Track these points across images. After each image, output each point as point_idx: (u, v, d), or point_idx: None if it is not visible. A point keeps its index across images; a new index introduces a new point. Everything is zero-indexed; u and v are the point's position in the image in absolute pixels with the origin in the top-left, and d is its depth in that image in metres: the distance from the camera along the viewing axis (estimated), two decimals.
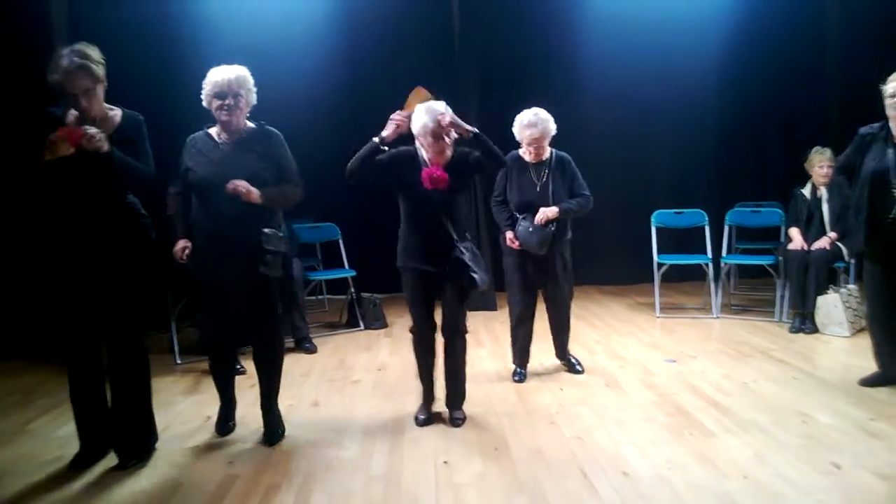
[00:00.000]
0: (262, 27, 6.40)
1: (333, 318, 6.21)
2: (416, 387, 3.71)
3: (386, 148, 3.38)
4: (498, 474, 2.92)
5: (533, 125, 3.97)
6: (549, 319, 4.30)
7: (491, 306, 6.44)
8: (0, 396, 4.26)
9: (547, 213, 3.97)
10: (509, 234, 4.08)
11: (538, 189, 4.06)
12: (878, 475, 2.78)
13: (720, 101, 7.47)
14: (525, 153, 4.11)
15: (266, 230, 3.16)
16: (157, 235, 3.21)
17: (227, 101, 3.15)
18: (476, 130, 3.36)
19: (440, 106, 3.37)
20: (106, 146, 2.83)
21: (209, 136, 3.30)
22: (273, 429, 3.41)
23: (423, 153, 3.42)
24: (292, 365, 3.83)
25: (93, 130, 2.80)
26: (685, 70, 7.20)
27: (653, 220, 6.03)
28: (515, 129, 4.07)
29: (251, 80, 3.25)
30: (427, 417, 3.57)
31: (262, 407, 3.45)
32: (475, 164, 3.46)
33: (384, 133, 3.35)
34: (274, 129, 3.34)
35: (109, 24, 5.92)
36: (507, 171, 4.05)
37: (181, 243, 4.30)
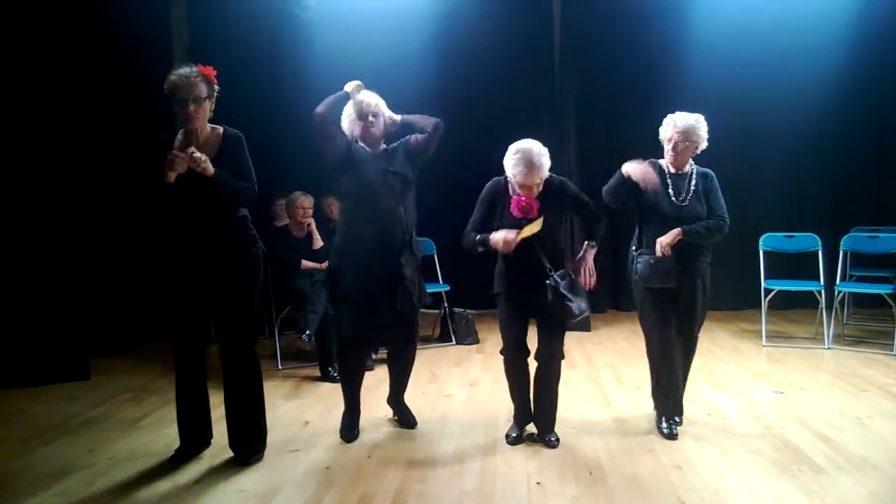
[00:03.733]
0: (362, 49, 6.55)
1: (426, 332, 6.25)
2: (507, 404, 3.68)
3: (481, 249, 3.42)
4: (592, 499, 2.85)
5: (681, 118, 3.50)
6: None
7: (585, 327, 6.34)
8: (115, 393, 4.54)
9: (664, 241, 3.42)
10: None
11: (679, 206, 3.51)
12: None
13: (837, 119, 7.06)
14: (664, 162, 3.61)
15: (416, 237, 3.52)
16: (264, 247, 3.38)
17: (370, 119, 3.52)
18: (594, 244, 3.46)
19: (538, 173, 3.29)
20: (211, 170, 3.02)
21: (361, 146, 3.58)
22: (409, 417, 3.80)
23: (514, 182, 3.39)
24: (385, 376, 3.88)
25: (199, 154, 2.99)
26: (800, 86, 6.86)
27: (761, 243, 5.77)
28: (663, 129, 3.57)
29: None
30: (519, 436, 3.54)
31: (394, 401, 3.84)
32: (571, 207, 3.50)
33: (493, 241, 3.34)
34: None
35: (223, 51, 6.29)
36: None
37: None
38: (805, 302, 6.31)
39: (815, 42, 6.82)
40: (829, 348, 5.49)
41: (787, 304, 6.71)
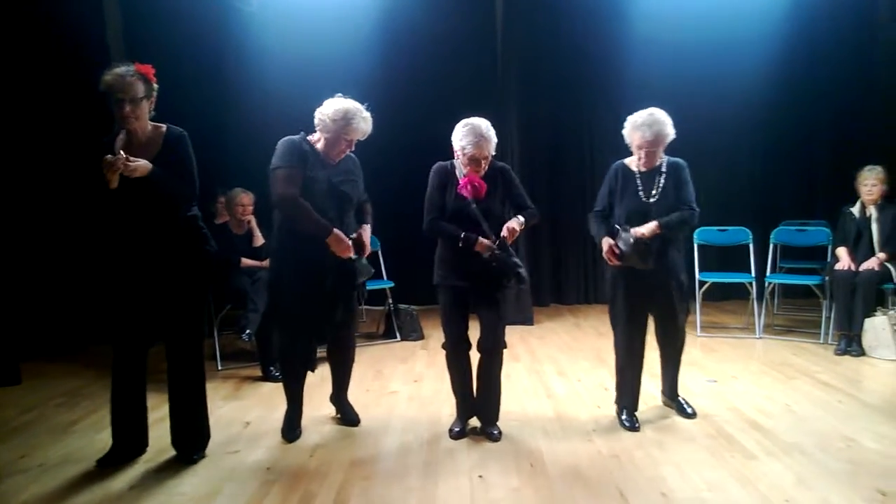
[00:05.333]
0: (305, 42, 6.49)
1: (370, 329, 6.24)
2: (451, 399, 3.70)
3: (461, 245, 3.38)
4: (534, 491, 2.90)
5: (647, 125, 3.47)
6: (660, 351, 3.85)
7: (528, 321, 6.43)
8: (46, 398, 4.39)
9: (641, 231, 3.46)
10: (607, 243, 3.52)
11: (647, 203, 3.56)
12: None
13: (767, 116, 7.29)
14: (633, 161, 3.64)
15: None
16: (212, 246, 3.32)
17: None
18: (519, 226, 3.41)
19: (487, 145, 3.33)
20: (138, 172, 2.92)
21: (315, 148, 3.42)
22: (352, 414, 3.77)
23: (460, 167, 3.43)
24: (328, 374, 3.85)
25: (126, 161, 2.89)
26: (731, 84, 7.05)
27: (695, 237, 5.94)
28: (626, 131, 3.58)
29: None
30: (462, 430, 3.57)
31: (337, 399, 3.83)
32: (511, 199, 3.52)
33: (479, 247, 3.34)
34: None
35: (163, 45, 6.13)
36: (613, 182, 3.66)
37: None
38: (737, 293, 6.51)
39: (745, 36, 6.99)
40: (760, 338, 5.69)
41: (720, 296, 6.92)
